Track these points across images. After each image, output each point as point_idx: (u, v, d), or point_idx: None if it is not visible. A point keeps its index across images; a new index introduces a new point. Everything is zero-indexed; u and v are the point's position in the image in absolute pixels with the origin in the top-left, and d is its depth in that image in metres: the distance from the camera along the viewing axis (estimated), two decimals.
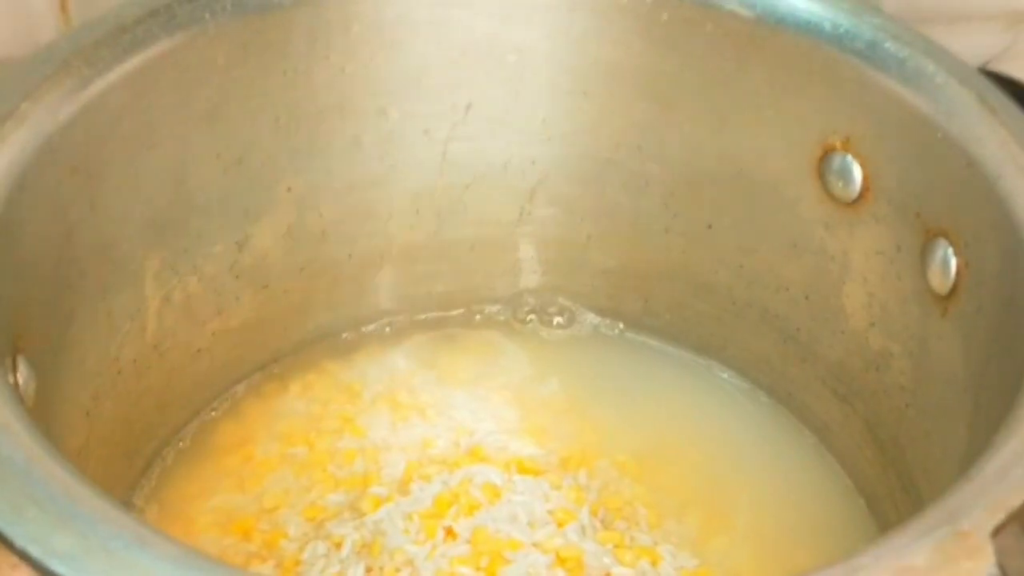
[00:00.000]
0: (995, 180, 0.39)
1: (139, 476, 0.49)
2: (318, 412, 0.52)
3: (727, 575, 0.46)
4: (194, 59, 0.44)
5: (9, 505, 0.28)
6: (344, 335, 0.55)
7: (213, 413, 0.52)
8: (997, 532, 0.29)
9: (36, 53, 0.41)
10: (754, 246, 0.51)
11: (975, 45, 0.66)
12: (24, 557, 0.27)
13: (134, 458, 0.48)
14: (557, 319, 0.56)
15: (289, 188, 0.50)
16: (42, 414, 0.38)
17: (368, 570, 0.43)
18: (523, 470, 0.48)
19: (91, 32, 0.42)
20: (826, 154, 0.46)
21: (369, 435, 0.50)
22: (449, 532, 0.45)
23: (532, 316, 0.56)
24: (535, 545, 0.44)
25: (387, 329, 0.56)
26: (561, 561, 0.44)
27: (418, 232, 0.54)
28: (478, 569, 0.43)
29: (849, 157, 0.46)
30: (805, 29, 0.45)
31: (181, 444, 0.50)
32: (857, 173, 0.46)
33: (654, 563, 0.45)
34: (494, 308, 0.57)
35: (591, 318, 0.56)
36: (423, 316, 0.56)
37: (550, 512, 0.46)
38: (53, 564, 0.27)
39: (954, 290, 0.41)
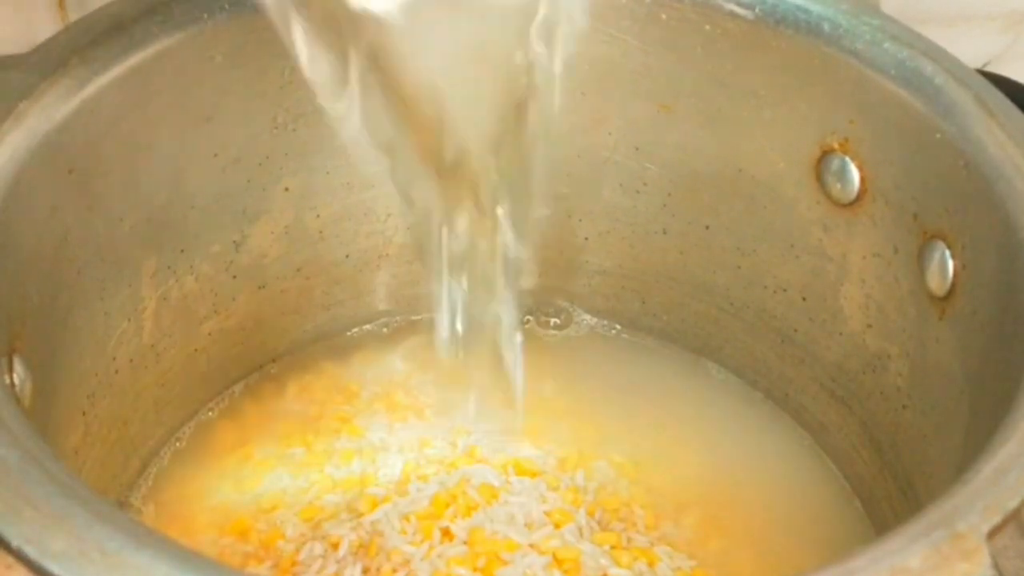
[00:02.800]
0: (993, 182, 0.39)
1: (136, 476, 0.49)
2: (315, 412, 0.52)
3: None
4: (192, 59, 0.44)
5: (5, 505, 0.28)
6: (342, 335, 0.55)
7: (210, 413, 0.52)
8: (993, 534, 0.29)
9: (33, 52, 0.41)
10: (752, 247, 0.51)
11: (974, 46, 0.66)
12: (20, 557, 0.27)
13: (131, 458, 0.48)
14: (554, 320, 0.56)
15: (287, 188, 0.50)
16: (38, 414, 0.38)
17: (365, 571, 0.43)
18: (520, 471, 0.48)
19: (88, 31, 0.42)
20: (824, 155, 0.46)
21: (367, 436, 0.50)
22: (446, 533, 0.45)
23: (529, 317, 0.56)
24: (532, 546, 0.44)
25: (384, 330, 0.56)
26: (558, 562, 0.44)
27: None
28: (475, 570, 0.43)
29: (847, 158, 0.46)
30: (804, 30, 0.45)
31: (178, 444, 0.50)
32: (855, 174, 0.46)
33: (651, 564, 0.45)
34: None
35: (588, 319, 0.56)
36: (420, 317, 0.56)
37: (547, 513, 0.46)
38: (49, 564, 0.27)
39: (951, 292, 0.41)
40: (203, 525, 0.47)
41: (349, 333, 0.55)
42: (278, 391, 0.53)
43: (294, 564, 0.44)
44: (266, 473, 0.49)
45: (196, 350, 0.50)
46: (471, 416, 0.50)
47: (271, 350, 0.54)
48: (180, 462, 0.50)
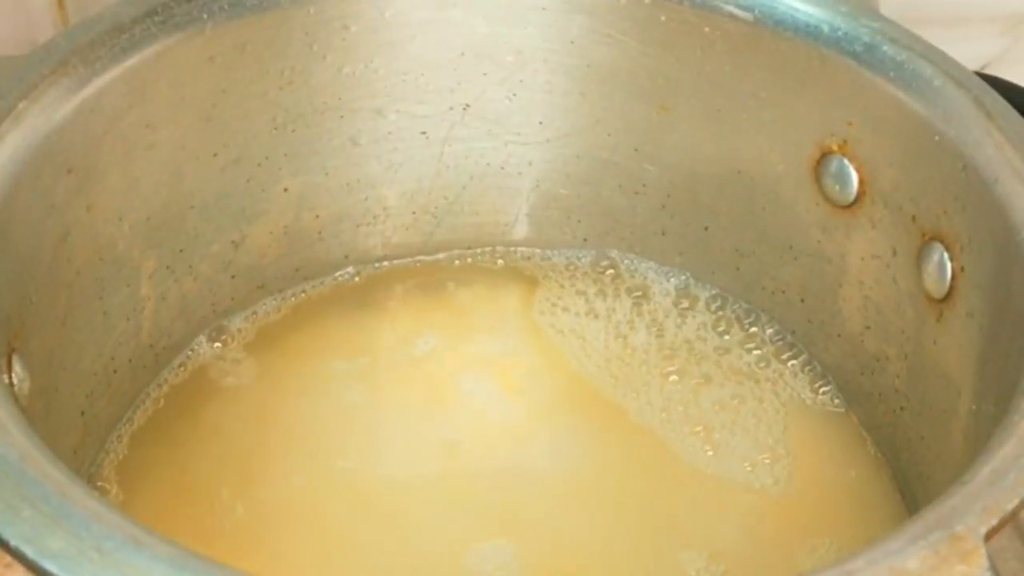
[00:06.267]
0: (991, 184, 0.39)
1: None
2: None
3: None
4: (191, 59, 0.44)
5: (3, 505, 0.28)
6: None
7: None
8: (991, 535, 0.29)
9: (33, 52, 0.41)
10: (750, 248, 0.51)
11: (973, 48, 0.66)
12: (18, 557, 0.27)
13: None
14: None
15: (286, 188, 0.50)
16: (37, 414, 0.38)
17: None
18: None
19: (88, 31, 0.42)
20: (823, 157, 0.46)
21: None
22: None
23: None
24: None
25: None
26: None
27: (414, 233, 0.54)
28: None
29: (846, 160, 0.46)
30: (803, 32, 0.45)
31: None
32: (854, 176, 0.46)
33: None
34: None
35: None
36: None
37: None
38: (47, 564, 0.27)
39: (950, 294, 0.41)
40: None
41: None
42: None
43: None
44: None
45: (195, 350, 0.50)
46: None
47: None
48: None
